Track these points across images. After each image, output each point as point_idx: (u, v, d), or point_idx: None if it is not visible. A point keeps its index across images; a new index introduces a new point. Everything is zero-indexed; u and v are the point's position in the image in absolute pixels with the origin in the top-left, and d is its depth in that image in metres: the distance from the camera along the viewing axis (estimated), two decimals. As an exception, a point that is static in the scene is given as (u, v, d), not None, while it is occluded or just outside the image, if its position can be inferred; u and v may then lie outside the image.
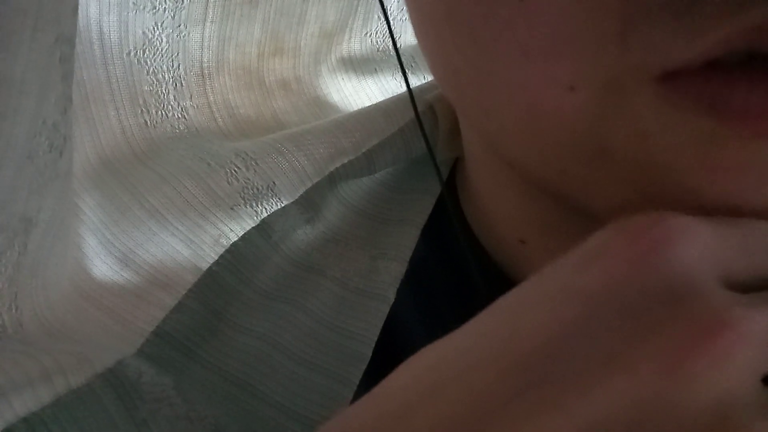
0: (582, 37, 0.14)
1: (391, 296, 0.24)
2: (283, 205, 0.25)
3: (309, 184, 0.26)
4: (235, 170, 0.25)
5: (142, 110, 0.26)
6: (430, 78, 0.32)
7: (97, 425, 0.19)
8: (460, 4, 0.16)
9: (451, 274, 0.25)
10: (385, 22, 0.31)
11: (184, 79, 0.27)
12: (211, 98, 0.29)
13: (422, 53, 0.22)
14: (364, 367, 0.23)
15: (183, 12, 0.26)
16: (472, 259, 0.24)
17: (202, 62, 0.28)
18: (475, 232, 0.26)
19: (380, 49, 0.34)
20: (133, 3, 0.25)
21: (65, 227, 0.23)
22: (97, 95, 0.25)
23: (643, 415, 0.11)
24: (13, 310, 0.21)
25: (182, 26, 0.27)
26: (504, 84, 0.16)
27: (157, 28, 0.26)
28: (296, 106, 0.31)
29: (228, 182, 0.25)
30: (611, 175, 0.16)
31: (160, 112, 0.27)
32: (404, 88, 0.26)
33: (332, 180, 0.26)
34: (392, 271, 0.25)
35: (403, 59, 0.25)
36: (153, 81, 0.26)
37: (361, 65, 0.33)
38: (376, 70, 0.34)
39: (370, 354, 0.23)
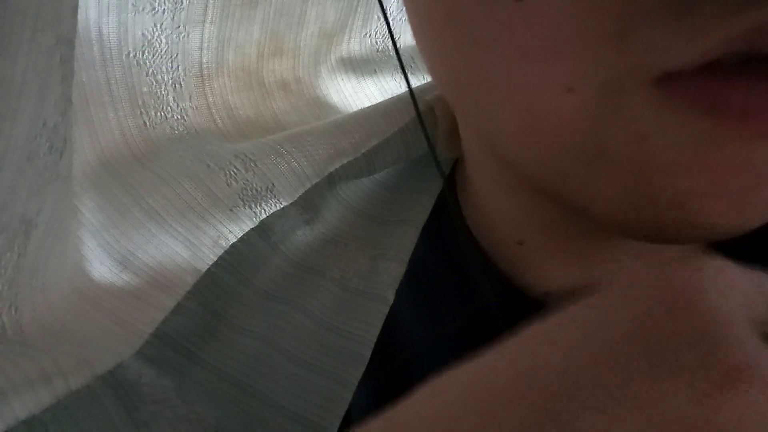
0: (581, 37, 0.14)
1: (391, 297, 0.24)
2: (282, 207, 0.25)
3: (308, 185, 0.26)
4: (234, 172, 0.25)
5: (141, 111, 0.26)
6: (429, 78, 0.32)
7: (97, 427, 0.19)
8: (459, 5, 0.16)
9: (450, 275, 0.25)
10: (384, 23, 0.31)
11: (183, 80, 0.27)
12: (211, 99, 0.29)
13: (421, 54, 0.21)
14: (363, 368, 0.23)
15: (182, 13, 0.26)
16: (472, 260, 0.24)
17: (201, 63, 0.28)
18: (473, 232, 0.26)
19: (380, 49, 0.34)
20: (133, 4, 0.25)
21: (65, 229, 0.23)
22: (96, 97, 0.25)
23: None
24: (13, 312, 0.21)
25: (181, 27, 0.26)
26: (503, 85, 0.16)
27: (157, 30, 0.26)
28: (296, 107, 0.31)
29: (227, 184, 0.25)
30: (610, 176, 0.16)
31: (159, 114, 0.27)
32: (404, 89, 0.26)
33: (331, 181, 0.26)
34: (391, 271, 0.25)
35: (402, 60, 0.25)
36: (152, 82, 0.26)
37: (360, 66, 0.33)
38: (375, 70, 0.33)
39: (369, 355, 0.23)
